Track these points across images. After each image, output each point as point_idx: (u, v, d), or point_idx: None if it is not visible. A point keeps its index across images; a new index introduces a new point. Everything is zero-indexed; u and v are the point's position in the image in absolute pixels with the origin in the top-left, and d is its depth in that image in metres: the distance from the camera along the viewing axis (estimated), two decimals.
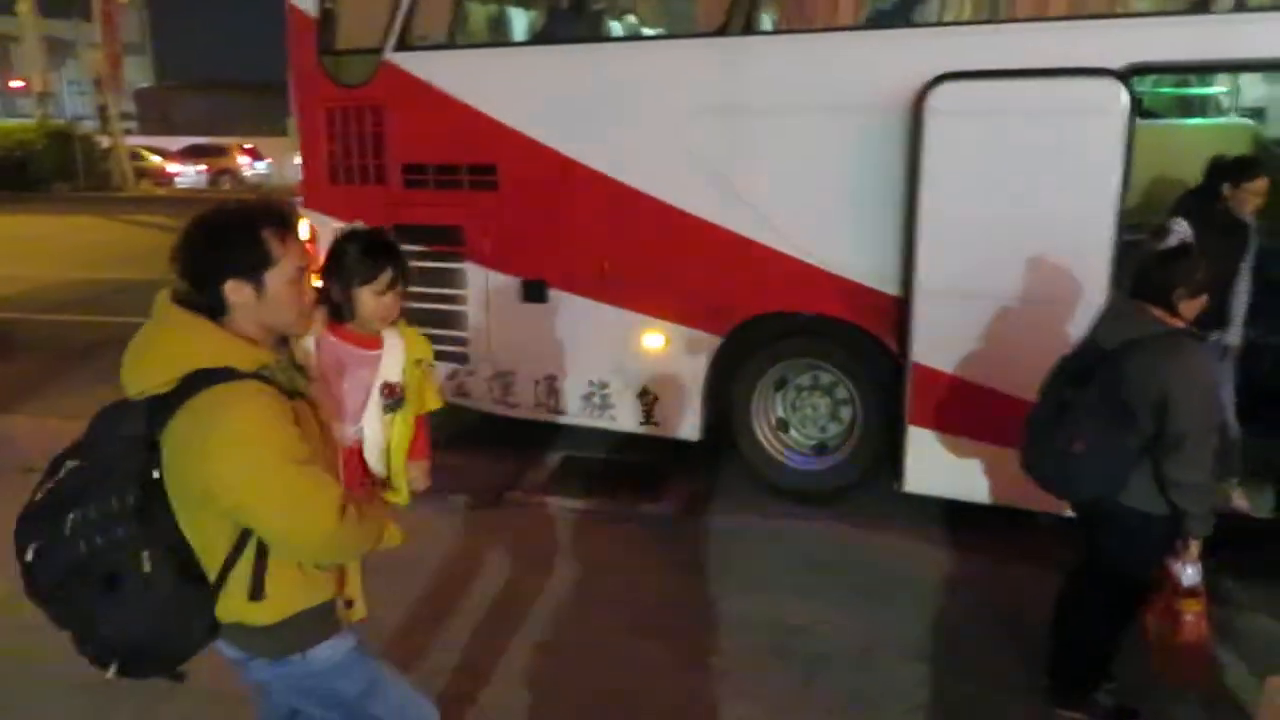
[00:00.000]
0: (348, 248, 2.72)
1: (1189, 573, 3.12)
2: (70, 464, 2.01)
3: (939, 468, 4.81)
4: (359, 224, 3.16)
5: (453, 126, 5.78)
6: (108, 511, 1.92)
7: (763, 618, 4.16)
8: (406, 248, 5.84)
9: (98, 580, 1.93)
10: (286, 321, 2.09)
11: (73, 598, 1.96)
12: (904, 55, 4.76)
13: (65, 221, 20.22)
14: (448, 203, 5.89)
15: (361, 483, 2.86)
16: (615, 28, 6.38)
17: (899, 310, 4.81)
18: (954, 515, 5.08)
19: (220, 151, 31.45)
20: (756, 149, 5.07)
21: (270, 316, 2.04)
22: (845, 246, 4.94)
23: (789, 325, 5.25)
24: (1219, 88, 6.19)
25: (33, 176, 27.34)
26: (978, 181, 4.51)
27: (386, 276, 2.70)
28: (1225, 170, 4.76)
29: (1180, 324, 3.12)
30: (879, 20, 5.36)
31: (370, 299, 2.70)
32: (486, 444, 6.25)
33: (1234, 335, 4.80)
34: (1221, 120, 5.85)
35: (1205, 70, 5.55)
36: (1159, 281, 3.15)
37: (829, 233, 4.97)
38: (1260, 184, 4.65)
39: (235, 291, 1.99)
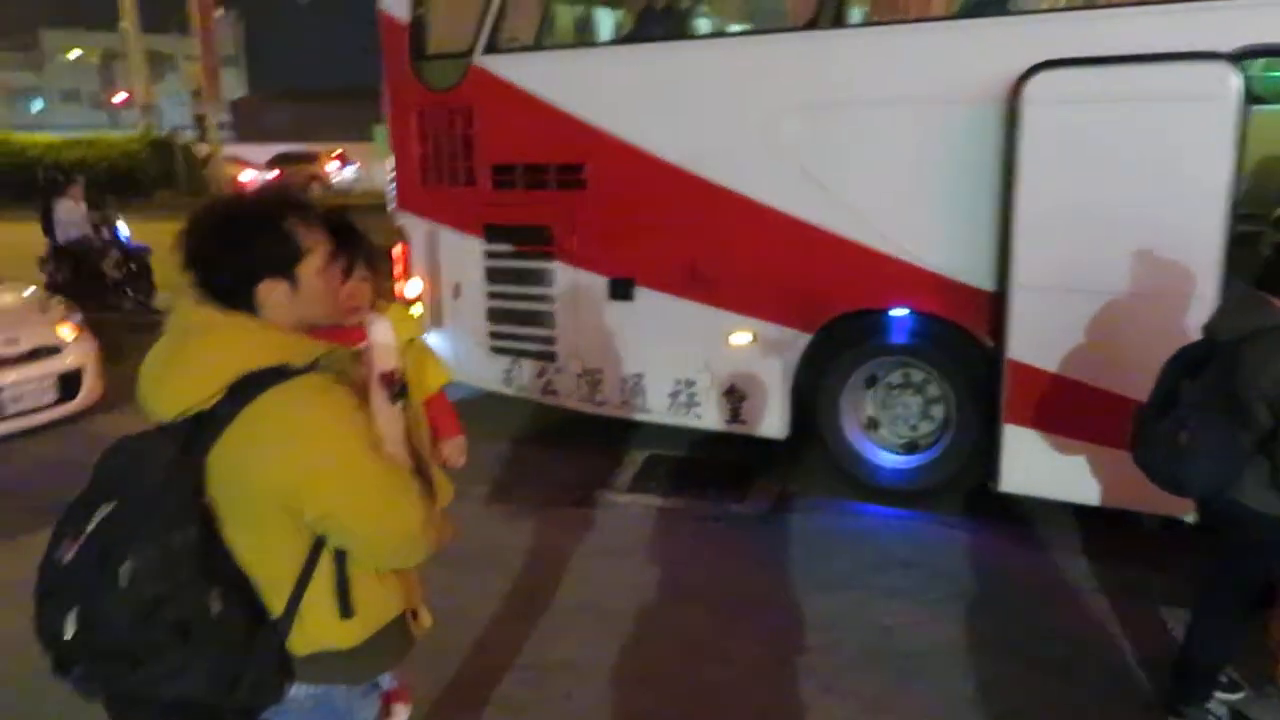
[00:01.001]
0: None
1: None
2: (104, 509, 1.74)
3: (1036, 467, 4.67)
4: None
5: (541, 127, 5.84)
6: (169, 551, 1.70)
7: (853, 617, 4.11)
8: (496, 247, 6.08)
9: (168, 631, 1.69)
10: (322, 313, 1.93)
11: (138, 659, 1.70)
12: (1000, 44, 4.64)
13: (168, 226, 20.98)
14: (536, 202, 5.96)
15: None
16: (703, 25, 6.37)
17: (995, 306, 4.70)
18: (1050, 516, 4.95)
19: (309, 158, 32.34)
20: (847, 144, 5.01)
21: (306, 311, 1.89)
22: (939, 241, 4.84)
23: (880, 321, 5.17)
24: None
25: (138, 184, 28.53)
26: (1078, 173, 4.37)
27: (343, 260, 2.34)
28: None
29: None
30: (974, 9, 5.24)
31: None
32: (572, 442, 6.30)
33: None
34: None
35: None
36: None
37: (922, 227, 4.88)
38: None
39: (269, 291, 1.83)
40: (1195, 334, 4.23)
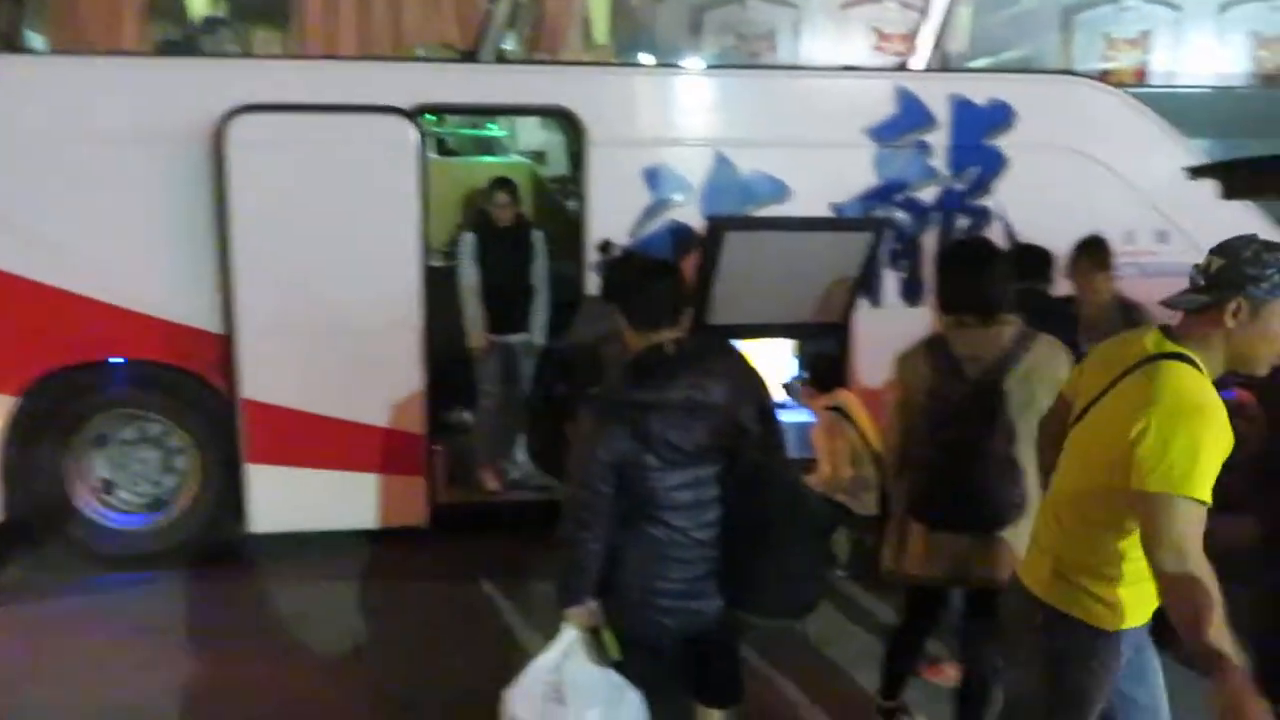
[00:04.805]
0: None
1: None
2: None
3: (283, 502, 4.73)
4: None
5: None
6: None
7: (95, 705, 3.67)
8: None
9: None
10: None
11: None
12: (200, 85, 4.61)
13: None
14: None
15: None
16: None
17: (225, 349, 4.64)
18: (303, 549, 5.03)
19: None
20: (43, 181, 4.50)
21: None
22: (157, 286, 4.63)
23: (100, 374, 4.74)
24: (504, 131, 7.06)
25: None
26: (288, 214, 4.55)
27: None
28: (494, 186, 5.24)
29: None
30: (170, 48, 5.13)
31: None
32: None
33: (539, 336, 5.41)
34: (508, 159, 6.68)
35: (479, 112, 6.24)
36: None
37: (137, 272, 4.61)
38: (501, 197, 5.19)
39: None
40: (406, 359, 4.75)
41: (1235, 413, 5.06)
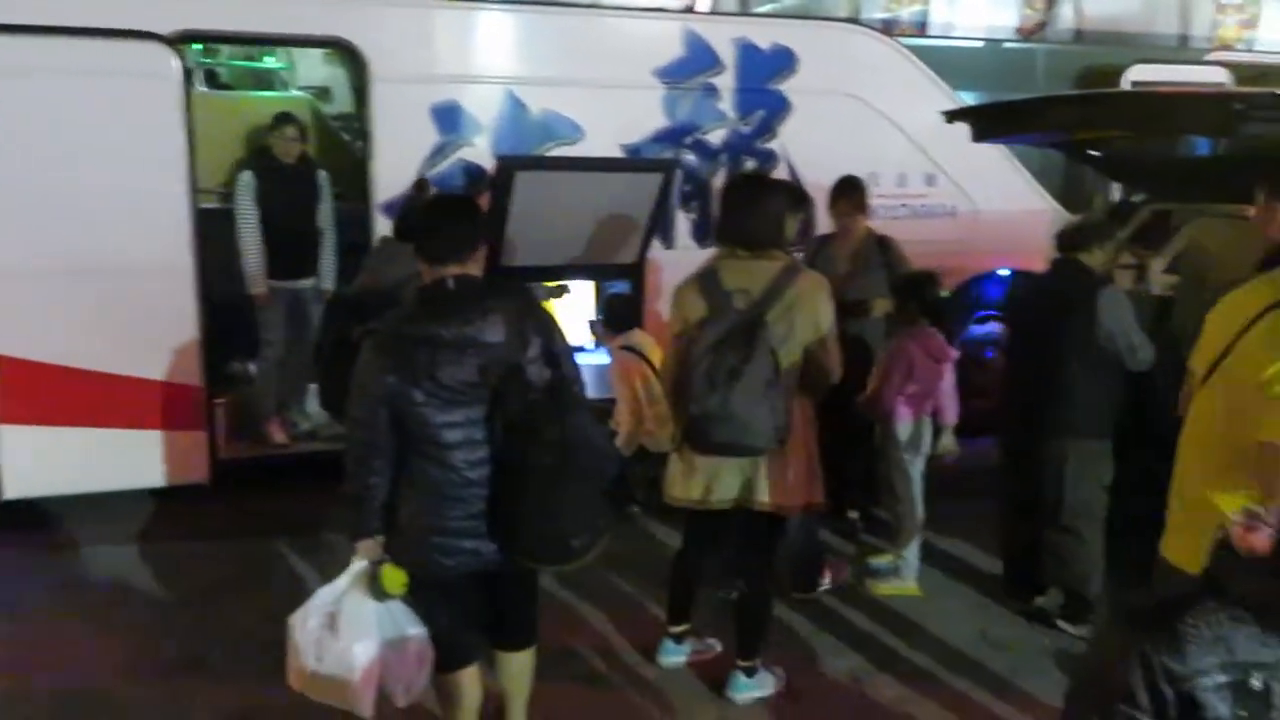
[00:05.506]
0: None
1: None
2: None
3: (41, 465, 4.35)
4: None
5: None
6: None
7: None
8: None
9: None
10: None
11: None
12: None
13: None
14: None
15: None
16: None
17: None
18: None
19: None
20: None
21: None
22: None
23: None
24: (284, 64, 6.63)
25: None
26: (33, 149, 4.15)
27: None
28: (279, 120, 4.99)
29: None
30: None
31: None
32: None
33: (327, 281, 5.19)
34: (287, 94, 6.29)
35: (250, 42, 5.79)
36: None
37: None
38: (290, 131, 4.96)
39: None
40: (178, 307, 4.47)
41: (996, 345, 5.47)
